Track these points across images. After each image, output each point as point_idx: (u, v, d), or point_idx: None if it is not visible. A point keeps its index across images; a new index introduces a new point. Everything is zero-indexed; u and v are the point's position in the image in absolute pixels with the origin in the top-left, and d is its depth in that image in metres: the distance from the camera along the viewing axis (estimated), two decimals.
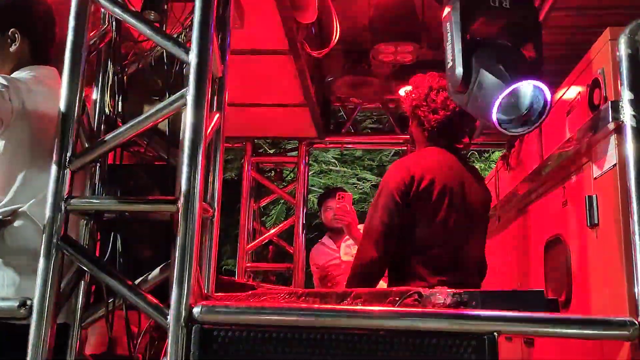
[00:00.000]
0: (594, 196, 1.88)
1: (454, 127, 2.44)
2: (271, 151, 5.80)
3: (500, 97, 1.78)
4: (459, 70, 1.86)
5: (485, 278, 3.70)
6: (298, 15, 2.53)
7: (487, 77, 1.82)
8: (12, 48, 1.99)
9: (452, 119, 2.40)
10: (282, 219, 6.10)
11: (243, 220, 4.24)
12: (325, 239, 4.45)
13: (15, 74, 1.94)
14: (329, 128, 4.33)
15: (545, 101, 1.83)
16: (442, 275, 2.22)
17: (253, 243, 4.27)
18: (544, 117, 1.84)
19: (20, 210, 1.84)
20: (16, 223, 1.85)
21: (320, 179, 7.33)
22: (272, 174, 4.59)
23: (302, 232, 4.20)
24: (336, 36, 2.84)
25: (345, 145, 4.73)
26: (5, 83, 1.80)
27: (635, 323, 1.52)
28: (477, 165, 7.56)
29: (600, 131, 1.80)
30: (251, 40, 2.68)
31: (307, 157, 4.37)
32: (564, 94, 2.24)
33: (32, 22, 2.02)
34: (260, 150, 5.54)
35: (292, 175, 4.58)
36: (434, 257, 2.24)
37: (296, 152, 4.44)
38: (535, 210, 2.62)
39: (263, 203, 4.80)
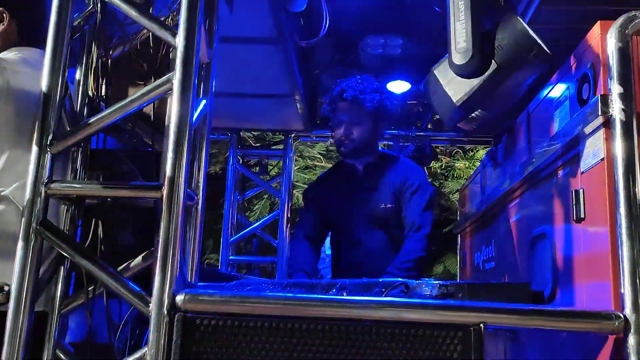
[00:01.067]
0: (581, 190, 1.88)
1: None
2: (257, 145, 5.75)
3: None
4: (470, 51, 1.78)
5: (471, 273, 3.72)
6: (287, 4, 2.50)
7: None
8: (0, 28, 1.94)
9: None
10: (266, 214, 6.05)
11: (227, 212, 4.20)
12: None
13: (1, 54, 1.89)
14: (315, 122, 4.30)
15: None
16: None
17: (237, 236, 4.23)
18: None
19: (2, 193, 1.80)
20: None
21: (305, 174, 7.31)
22: (257, 168, 4.55)
23: (287, 226, 4.18)
24: (325, 25, 2.82)
25: (331, 140, 4.71)
26: None
27: (620, 316, 1.52)
28: (461, 164, 7.58)
29: (588, 125, 1.80)
30: (239, 27, 2.64)
31: (292, 151, 4.34)
32: (552, 89, 2.23)
33: (20, 2, 1.98)
34: (246, 144, 5.49)
35: (277, 169, 4.55)
36: None
37: (282, 147, 4.41)
38: (522, 205, 2.62)
39: (247, 196, 4.76)
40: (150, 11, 1.93)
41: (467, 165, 7.51)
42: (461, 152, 7.82)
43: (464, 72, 1.76)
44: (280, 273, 4.05)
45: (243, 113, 3.97)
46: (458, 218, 4.18)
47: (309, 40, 2.86)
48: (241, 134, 4.52)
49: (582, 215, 1.87)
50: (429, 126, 4.33)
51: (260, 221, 4.42)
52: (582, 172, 1.90)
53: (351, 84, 2.61)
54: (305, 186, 6.67)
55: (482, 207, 3.30)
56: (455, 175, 7.80)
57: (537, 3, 2.49)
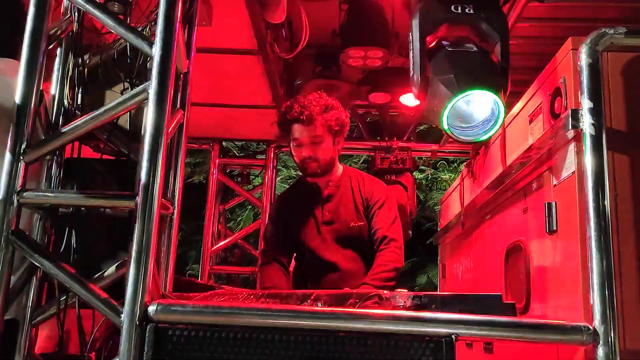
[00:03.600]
0: (553, 203, 1.91)
1: None
2: (240, 155, 5.75)
3: (449, 106, 1.78)
4: (416, 77, 1.87)
5: (450, 284, 3.74)
6: (267, 15, 2.52)
7: (438, 86, 1.83)
8: None
9: None
10: (250, 224, 6.03)
11: (208, 222, 4.18)
12: None
13: None
14: None
15: (494, 111, 1.84)
16: None
17: (218, 245, 4.22)
18: (495, 127, 1.85)
19: None
20: None
21: (289, 185, 7.29)
22: (239, 178, 4.54)
23: None
24: (306, 37, 2.83)
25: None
26: None
27: (589, 329, 1.54)
28: (445, 175, 7.63)
29: (560, 139, 1.83)
30: (219, 38, 2.66)
31: (275, 160, 4.34)
32: (527, 102, 2.27)
33: (3, 15, 1.97)
34: (230, 154, 5.49)
35: (259, 179, 4.55)
36: None
37: (264, 156, 4.42)
38: (497, 217, 2.64)
39: (230, 206, 4.75)
40: (128, 21, 1.93)
41: (451, 177, 7.56)
42: (445, 163, 7.89)
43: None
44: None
45: (225, 123, 3.97)
46: (439, 229, 4.20)
47: (287, 52, 2.87)
48: (224, 143, 4.51)
49: (555, 228, 1.89)
50: (411, 138, 4.35)
51: (241, 231, 4.40)
52: (555, 185, 1.93)
53: (304, 103, 2.50)
54: None
55: (461, 218, 3.33)
56: (439, 187, 7.85)
57: (514, 19, 2.53)
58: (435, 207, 7.78)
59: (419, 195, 7.22)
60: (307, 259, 2.57)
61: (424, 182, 7.43)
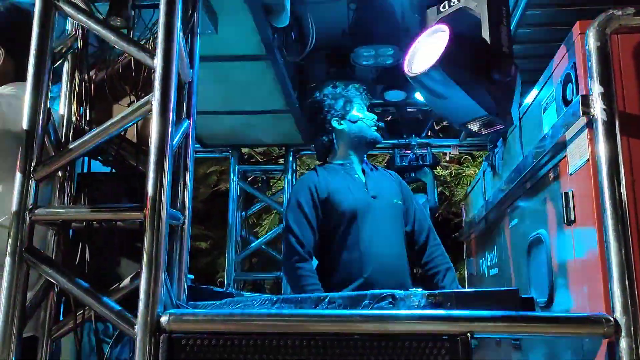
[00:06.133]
0: (570, 192, 1.85)
1: None
2: (262, 160, 5.76)
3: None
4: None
5: (477, 279, 3.67)
6: (272, 19, 2.51)
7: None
8: None
9: None
10: (275, 228, 6.04)
11: (231, 229, 4.20)
12: None
13: None
14: None
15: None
16: None
17: (242, 253, 4.23)
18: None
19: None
20: None
21: None
22: (260, 184, 4.55)
23: None
24: (312, 40, 2.82)
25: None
26: None
27: (610, 320, 1.48)
28: (470, 171, 7.52)
29: (572, 126, 1.78)
30: (227, 46, 2.66)
31: (294, 164, 4.33)
32: (540, 91, 2.21)
33: (15, 39, 2.01)
34: (252, 160, 5.51)
35: (280, 183, 4.55)
36: None
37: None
38: (519, 209, 2.58)
39: (253, 212, 4.75)
40: (131, 34, 1.95)
41: (475, 172, 7.44)
42: (470, 158, 7.78)
43: None
44: (286, 288, 4.03)
45: (241, 130, 3.98)
46: (463, 225, 4.14)
47: (297, 55, 2.87)
48: (248, 150, 4.53)
49: (573, 218, 1.84)
50: (429, 134, 4.30)
51: (263, 238, 4.41)
52: (571, 174, 1.87)
53: None
54: None
55: (484, 213, 3.27)
56: (465, 183, 7.74)
57: (524, 6, 2.47)
58: (460, 204, 7.68)
59: (444, 192, 7.14)
60: (357, 236, 2.66)
61: (449, 178, 7.34)
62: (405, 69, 1.86)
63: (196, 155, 4.69)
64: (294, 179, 4.31)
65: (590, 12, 1.80)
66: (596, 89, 1.63)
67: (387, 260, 2.60)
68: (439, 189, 7.32)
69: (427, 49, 1.82)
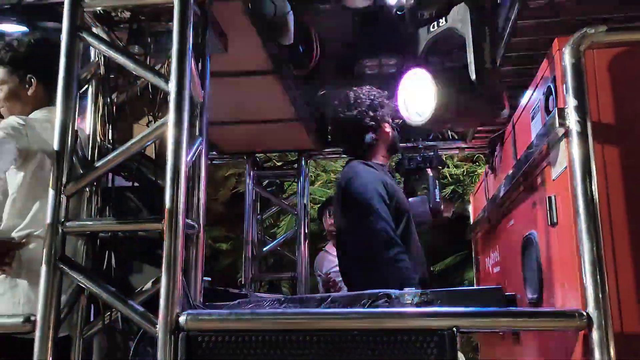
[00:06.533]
0: (553, 197, 2.00)
1: None
2: (279, 164, 5.94)
3: None
4: None
5: (483, 277, 3.82)
6: (278, 38, 2.69)
7: None
8: (30, 92, 2.22)
9: None
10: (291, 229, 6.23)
11: (247, 231, 4.40)
12: (329, 247, 4.58)
13: (32, 115, 2.15)
14: (326, 139, 4.47)
15: None
16: None
17: (258, 255, 4.43)
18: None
19: (35, 234, 2.04)
20: (30, 245, 2.06)
21: (329, 189, 7.46)
22: (274, 187, 4.74)
23: (305, 242, 4.34)
24: (317, 56, 3.00)
25: (342, 156, 4.88)
26: (21, 122, 2.04)
27: (583, 314, 1.64)
28: (481, 169, 7.61)
29: (553, 136, 1.92)
30: (237, 63, 2.84)
31: (307, 169, 4.51)
32: (529, 98, 2.35)
33: (45, 67, 2.22)
34: (269, 164, 5.70)
35: (293, 186, 4.73)
36: None
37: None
38: (514, 211, 2.73)
39: (268, 214, 4.94)
40: (148, 60, 2.14)
41: None
42: (482, 157, 7.86)
43: None
44: (300, 287, 4.22)
45: (255, 137, 4.17)
46: (470, 224, 4.27)
47: (303, 69, 3.04)
48: (263, 155, 4.71)
49: (555, 220, 1.98)
50: (439, 136, 4.44)
51: (278, 239, 4.60)
52: (553, 180, 2.02)
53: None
54: None
55: (487, 213, 3.41)
56: (477, 180, 7.83)
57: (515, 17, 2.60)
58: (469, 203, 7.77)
59: (457, 190, 7.25)
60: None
61: (461, 176, 7.46)
62: (403, 115, 2.06)
63: (214, 162, 4.91)
64: (306, 183, 4.49)
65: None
66: (571, 102, 1.78)
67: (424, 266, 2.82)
68: (452, 187, 7.45)
69: (415, 96, 2.02)
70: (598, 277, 1.64)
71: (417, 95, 2.06)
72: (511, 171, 2.65)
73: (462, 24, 1.97)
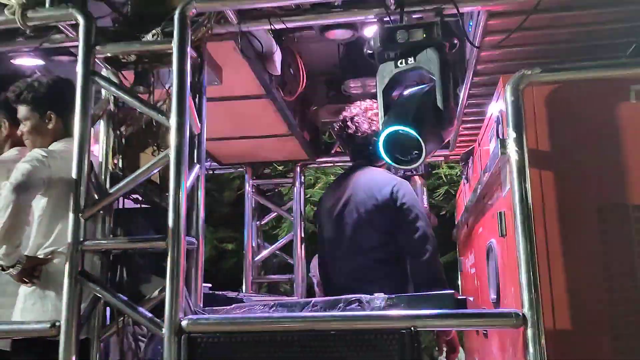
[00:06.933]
0: (503, 212, 2.31)
1: None
2: (280, 167, 6.24)
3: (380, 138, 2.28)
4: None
5: (465, 277, 4.13)
6: (268, 68, 3.01)
7: None
8: (50, 126, 2.55)
9: None
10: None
11: (248, 237, 4.73)
12: None
13: (51, 146, 2.47)
14: (319, 149, 4.79)
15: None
16: None
17: (257, 258, 4.76)
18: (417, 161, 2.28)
19: (58, 250, 2.36)
20: (55, 260, 2.39)
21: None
22: (273, 194, 5.07)
23: (301, 245, 4.67)
24: (303, 83, 3.32)
25: (336, 164, 5.20)
26: (44, 154, 2.36)
27: (519, 314, 1.95)
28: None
29: (499, 159, 2.23)
30: (232, 89, 3.15)
31: (301, 177, 4.84)
32: (488, 122, 2.66)
33: (64, 104, 2.55)
34: (268, 170, 6.00)
35: (290, 193, 5.05)
36: None
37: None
38: (482, 219, 3.04)
39: (266, 221, 5.26)
40: (151, 99, 2.45)
41: None
42: None
43: None
44: (297, 288, 4.55)
45: (253, 150, 4.50)
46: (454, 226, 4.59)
47: (292, 93, 3.36)
48: (254, 164, 5.03)
49: (505, 232, 2.29)
50: None
51: (276, 244, 4.93)
52: (503, 197, 2.33)
53: None
54: None
55: (464, 218, 3.72)
56: None
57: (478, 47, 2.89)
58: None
59: (450, 191, 7.53)
60: None
61: (455, 177, 7.76)
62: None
63: (215, 172, 5.24)
64: (302, 190, 4.82)
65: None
66: (511, 134, 2.09)
67: None
68: (446, 187, 7.75)
69: None
70: (532, 282, 1.95)
71: None
72: (477, 184, 2.96)
73: (432, 65, 2.27)
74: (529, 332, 1.93)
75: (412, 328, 1.98)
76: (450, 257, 8.26)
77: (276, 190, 5.09)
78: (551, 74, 2.12)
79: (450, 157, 4.77)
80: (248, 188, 4.83)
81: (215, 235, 10.36)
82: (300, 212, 4.75)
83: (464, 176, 3.70)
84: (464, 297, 2.20)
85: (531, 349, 1.92)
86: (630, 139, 2.09)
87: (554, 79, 2.13)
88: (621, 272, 2.02)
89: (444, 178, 7.88)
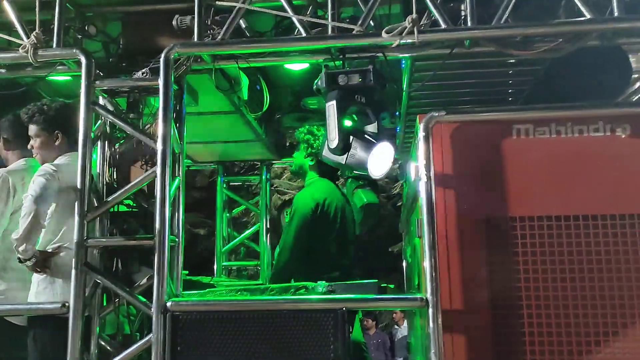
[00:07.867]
0: (420, 219, 2.96)
1: None
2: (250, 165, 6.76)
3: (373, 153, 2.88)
4: (336, 141, 2.94)
5: (408, 266, 4.81)
6: (236, 91, 3.59)
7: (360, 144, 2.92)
8: (56, 143, 3.10)
9: None
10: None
11: (219, 228, 5.33)
12: None
13: (57, 160, 3.03)
14: (284, 150, 5.39)
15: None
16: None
17: (227, 246, 5.39)
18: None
19: (64, 246, 2.94)
20: (62, 254, 2.95)
21: (294, 182, 8.36)
22: (242, 190, 5.68)
23: (266, 235, 5.30)
24: (266, 103, 3.91)
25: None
26: (54, 168, 2.92)
27: (423, 298, 2.60)
28: None
29: (417, 179, 2.87)
30: (206, 106, 3.72)
31: (268, 174, 5.46)
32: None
33: (69, 124, 3.09)
34: (241, 165, 6.55)
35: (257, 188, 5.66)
36: None
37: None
38: (411, 220, 3.70)
39: (236, 213, 5.88)
40: (140, 124, 3.03)
41: None
42: None
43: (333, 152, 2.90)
44: (263, 274, 5.19)
45: (225, 151, 5.10)
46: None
47: (258, 110, 3.95)
48: (226, 163, 5.63)
49: (420, 235, 2.95)
50: None
51: (244, 234, 5.54)
52: (420, 207, 2.98)
53: None
54: (297, 191, 7.72)
55: (404, 215, 4.39)
56: None
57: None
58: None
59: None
60: None
61: None
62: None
63: (191, 168, 5.82)
64: (267, 186, 5.44)
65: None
66: (421, 162, 2.73)
67: None
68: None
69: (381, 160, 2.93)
70: (434, 273, 2.61)
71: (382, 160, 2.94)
72: (407, 193, 3.61)
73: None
74: (429, 311, 2.59)
75: (344, 308, 2.63)
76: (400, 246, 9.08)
77: (245, 185, 5.68)
78: (454, 115, 2.76)
79: None
80: (220, 184, 5.41)
81: (187, 219, 10.85)
82: (266, 205, 5.36)
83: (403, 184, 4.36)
84: (385, 284, 2.85)
85: (431, 324, 2.58)
86: (512, 165, 2.75)
87: (455, 120, 2.77)
88: (500, 263, 2.67)
89: None
